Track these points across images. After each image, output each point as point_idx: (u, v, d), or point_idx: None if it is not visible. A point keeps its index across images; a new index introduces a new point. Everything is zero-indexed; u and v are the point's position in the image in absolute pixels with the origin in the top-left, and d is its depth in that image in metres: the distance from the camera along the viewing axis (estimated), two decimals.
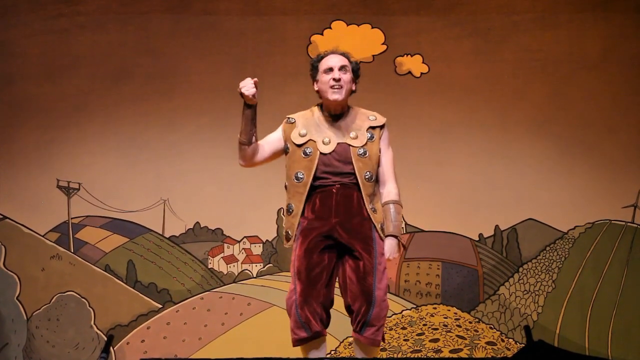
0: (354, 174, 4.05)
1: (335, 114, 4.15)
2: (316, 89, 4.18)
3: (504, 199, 6.65)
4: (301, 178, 4.06)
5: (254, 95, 4.01)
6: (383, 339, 4.05)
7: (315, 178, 4.07)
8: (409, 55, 6.86)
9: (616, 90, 6.78)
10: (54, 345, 6.52)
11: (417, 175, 6.54)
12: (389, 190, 4.14)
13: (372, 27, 6.86)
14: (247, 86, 4.01)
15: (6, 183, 6.68)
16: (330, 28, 6.84)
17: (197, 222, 6.68)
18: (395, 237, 4.08)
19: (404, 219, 6.42)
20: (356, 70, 4.19)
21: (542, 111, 6.77)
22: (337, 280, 4.13)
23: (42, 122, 6.74)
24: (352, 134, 4.10)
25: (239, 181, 6.61)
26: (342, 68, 4.11)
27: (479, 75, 6.81)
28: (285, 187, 4.17)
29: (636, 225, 6.63)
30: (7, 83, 6.77)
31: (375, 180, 4.12)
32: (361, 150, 4.07)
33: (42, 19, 6.81)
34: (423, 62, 6.85)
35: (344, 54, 4.19)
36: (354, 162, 4.05)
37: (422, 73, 6.84)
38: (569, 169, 6.72)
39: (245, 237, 6.68)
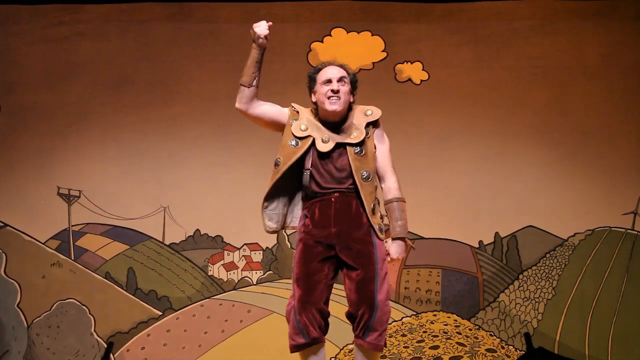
0: (352, 176, 4.04)
1: (334, 122, 4.15)
2: (314, 100, 4.15)
3: (504, 206, 6.65)
4: (279, 163, 4.06)
5: (265, 37, 4.01)
6: (385, 345, 4.04)
7: (315, 185, 4.06)
8: (409, 63, 6.87)
9: (616, 97, 6.78)
10: (54, 353, 6.52)
11: (417, 182, 6.54)
12: (389, 187, 4.10)
13: (372, 35, 6.88)
14: (261, 26, 4.04)
15: (7, 190, 6.69)
16: (330, 35, 6.85)
17: (197, 230, 6.69)
18: (402, 239, 4.06)
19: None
20: (354, 82, 4.16)
21: (542, 118, 6.78)
22: (334, 286, 4.13)
23: (42, 129, 6.75)
24: (353, 135, 4.08)
25: (239, 188, 6.62)
26: (340, 80, 4.08)
27: (479, 83, 6.82)
28: (276, 164, 4.13)
29: (636, 232, 6.63)
30: (7, 91, 6.78)
31: (373, 180, 4.08)
32: (357, 149, 4.04)
33: (43, 27, 6.83)
34: (423, 69, 6.86)
35: (342, 66, 4.16)
36: (351, 162, 4.02)
37: (422, 80, 6.85)
38: (569, 176, 6.72)
39: (245, 244, 6.69)
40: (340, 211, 4.03)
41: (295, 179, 4.12)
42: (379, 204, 4.13)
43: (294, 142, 4.06)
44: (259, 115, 4.13)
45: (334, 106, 4.05)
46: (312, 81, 4.15)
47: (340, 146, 4.06)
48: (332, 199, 4.04)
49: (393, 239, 4.06)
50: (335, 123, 4.12)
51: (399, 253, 4.05)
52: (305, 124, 4.10)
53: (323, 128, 4.10)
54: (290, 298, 4.07)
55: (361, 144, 4.06)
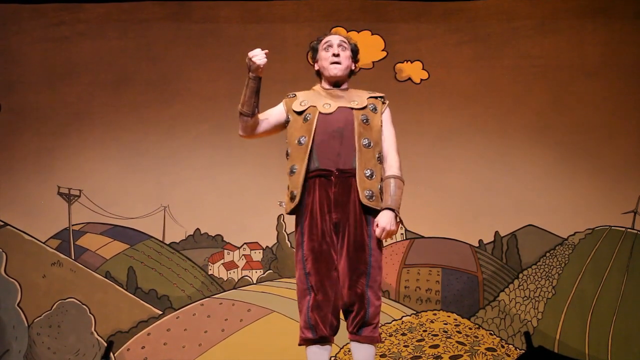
0: (355, 143, 4.03)
1: (336, 88, 4.19)
2: (316, 68, 4.25)
3: (504, 205, 6.66)
4: (303, 142, 4.05)
5: (262, 66, 4.03)
6: (380, 336, 4.04)
7: (313, 161, 4.03)
8: (409, 62, 6.87)
9: (616, 96, 6.78)
10: (54, 352, 6.53)
11: (417, 182, 6.53)
12: (390, 164, 4.10)
13: (372, 34, 6.88)
14: (258, 55, 4.03)
15: (7, 190, 6.69)
16: None
17: (197, 229, 6.70)
18: (392, 210, 4.01)
19: (403, 225, 6.44)
20: (355, 50, 4.25)
21: (542, 117, 6.78)
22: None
23: (43, 129, 6.76)
24: (354, 102, 4.12)
25: (239, 188, 6.63)
26: (340, 45, 4.19)
27: (479, 82, 6.83)
28: (287, 155, 4.12)
29: (636, 231, 6.63)
30: (8, 90, 6.79)
31: (374, 149, 4.06)
32: (363, 117, 4.07)
33: (43, 27, 6.84)
34: (423, 69, 6.86)
35: (341, 35, 4.30)
36: (355, 126, 4.03)
37: (422, 79, 6.85)
38: (569, 175, 6.72)
39: (245, 243, 6.69)
40: (339, 195, 4.01)
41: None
42: (379, 180, 4.07)
43: (308, 116, 4.08)
44: (263, 132, 4.21)
45: (335, 70, 4.15)
46: (314, 51, 4.27)
47: (342, 109, 4.07)
48: (332, 179, 4.03)
49: (383, 209, 4.01)
50: (337, 92, 4.17)
51: (386, 223, 3.97)
52: (304, 99, 4.15)
53: (323, 97, 4.15)
54: (302, 290, 4.01)
55: (367, 114, 4.09)
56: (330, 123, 4.06)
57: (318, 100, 4.14)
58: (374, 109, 4.14)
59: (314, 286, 3.98)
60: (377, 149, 4.08)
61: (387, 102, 4.22)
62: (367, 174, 4.02)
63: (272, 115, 4.21)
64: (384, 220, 3.99)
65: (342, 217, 4.00)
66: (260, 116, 4.17)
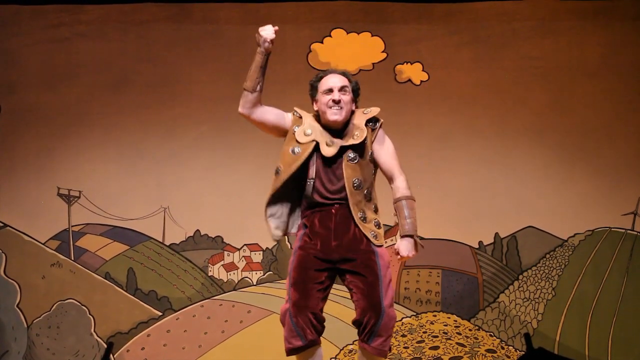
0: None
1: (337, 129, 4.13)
2: (316, 108, 4.14)
3: (504, 206, 6.65)
4: (279, 172, 4.04)
5: (272, 41, 4.00)
6: (390, 350, 4.03)
7: (317, 194, 4.03)
8: (409, 63, 6.87)
9: (616, 97, 6.78)
10: (54, 353, 6.52)
11: (416, 183, 6.44)
12: (397, 186, 4.07)
13: (372, 35, 6.88)
14: (267, 30, 4.02)
15: (7, 191, 6.69)
16: (330, 36, 6.86)
17: (197, 230, 6.69)
18: (411, 236, 4.00)
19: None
20: (356, 90, 4.14)
21: (542, 118, 6.78)
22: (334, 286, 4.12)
23: (42, 130, 6.76)
24: (356, 134, 4.04)
25: (239, 189, 6.63)
26: (342, 89, 4.06)
27: (479, 83, 6.82)
28: (277, 172, 4.12)
29: (636, 233, 6.63)
30: (8, 91, 6.79)
31: (364, 187, 4.05)
32: (351, 155, 4.02)
33: (43, 28, 6.84)
34: (423, 70, 6.86)
35: (343, 74, 4.15)
36: (343, 169, 4.00)
37: (422, 81, 6.85)
38: (569, 176, 6.72)
39: (245, 244, 6.69)
40: (340, 224, 4.01)
41: (296, 185, 4.10)
42: (375, 211, 4.10)
43: (296, 150, 4.04)
44: (262, 120, 4.11)
45: (335, 116, 4.04)
46: (313, 89, 4.15)
47: (344, 150, 4.03)
48: (333, 211, 4.02)
49: (402, 237, 4.02)
50: (338, 129, 4.10)
51: (408, 250, 3.99)
52: (309, 128, 4.08)
53: (326, 133, 4.08)
54: (285, 303, 4.05)
55: (358, 149, 4.03)
56: (328, 171, 4.03)
57: (321, 135, 4.06)
58: (365, 140, 4.06)
59: (297, 293, 3.96)
60: (366, 185, 4.06)
61: (379, 123, 4.13)
62: (361, 217, 4.01)
63: (278, 114, 4.14)
64: (404, 249, 4.00)
65: (345, 244, 4.00)
66: (267, 106, 4.12)
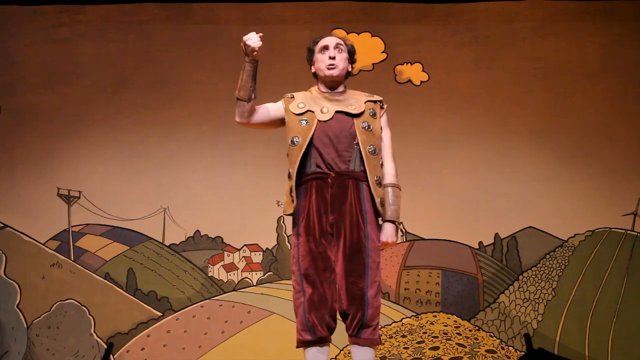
0: (353, 148, 4.03)
1: (333, 91, 4.18)
2: (313, 70, 4.23)
3: (504, 207, 6.66)
4: (297, 142, 4.05)
5: (258, 49, 4.02)
6: (380, 338, 4.03)
7: (310, 165, 4.05)
8: (409, 64, 6.87)
9: (616, 98, 6.79)
10: (54, 353, 6.52)
11: (417, 183, 6.54)
12: (386, 171, 4.12)
13: (372, 36, 6.88)
14: (253, 39, 4.05)
15: (7, 191, 6.69)
16: None
17: (197, 230, 6.69)
18: (393, 222, 4.06)
19: (403, 228, 6.44)
20: (351, 52, 4.24)
21: (542, 119, 6.78)
22: None
23: (43, 130, 6.76)
24: (351, 107, 4.11)
25: (239, 189, 6.63)
26: (337, 46, 4.17)
27: (479, 84, 6.83)
28: (288, 156, 4.14)
29: (636, 233, 6.63)
30: (8, 92, 6.79)
31: (378, 155, 4.07)
32: (365, 124, 4.07)
33: (43, 28, 6.84)
34: (423, 71, 6.86)
35: (338, 36, 4.27)
36: (358, 135, 4.04)
37: (422, 81, 6.86)
38: (569, 177, 6.72)
39: (245, 245, 6.69)
40: (336, 197, 4.01)
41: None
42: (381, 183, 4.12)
43: (304, 121, 4.07)
44: (260, 121, 4.15)
45: (331, 71, 4.12)
46: (310, 53, 4.26)
47: (340, 115, 4.06)
48: (329, 180, 4.03)
49: (384, 222, 4.06)
50: (334, 94, 4.15)
51: (389, 236, 4.04)
52: (301, 102, 4.14)
53: (320, 101, 4.14)
54: (297, 292, 4.02)
55: (368, 120, 4.08)
56: (327, 129, 4.05)
57: (315, 104, 4.13)
58: (374, 114, 4.13)
59: (310, 287, 3.97)
60: (380, 154, 4.10)
61: (385, 106, 4.22)
62: (377, 181, 4.05)
63: (271, 108, 4.18)
64: (386, 234, 4.05)
65: (339, 219, 4.00)
66: (259, 107, 4.16)
